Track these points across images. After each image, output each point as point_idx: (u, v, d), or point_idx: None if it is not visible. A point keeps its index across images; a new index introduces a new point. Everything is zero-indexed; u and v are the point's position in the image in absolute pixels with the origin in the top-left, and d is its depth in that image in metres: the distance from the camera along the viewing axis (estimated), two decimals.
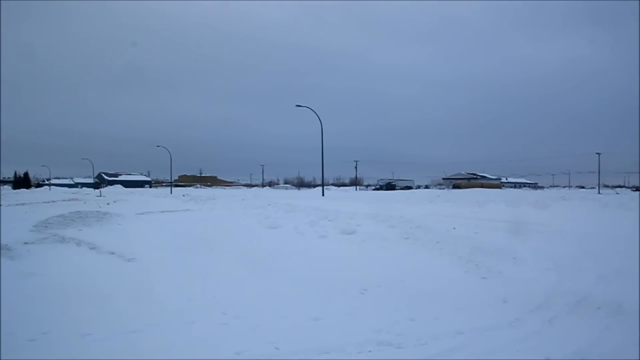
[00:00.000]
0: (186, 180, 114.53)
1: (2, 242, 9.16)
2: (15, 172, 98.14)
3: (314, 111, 34.17)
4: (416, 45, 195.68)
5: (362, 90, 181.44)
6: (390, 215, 13.50)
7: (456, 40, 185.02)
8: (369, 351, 4.13)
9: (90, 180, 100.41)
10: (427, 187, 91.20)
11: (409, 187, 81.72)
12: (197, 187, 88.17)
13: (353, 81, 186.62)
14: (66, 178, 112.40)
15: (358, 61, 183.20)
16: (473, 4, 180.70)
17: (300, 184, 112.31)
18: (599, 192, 54.46)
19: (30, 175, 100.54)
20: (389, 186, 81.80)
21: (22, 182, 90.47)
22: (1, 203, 22.82)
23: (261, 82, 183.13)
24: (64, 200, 27.21)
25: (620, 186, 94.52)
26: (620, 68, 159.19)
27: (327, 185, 77.08)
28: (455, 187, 79.37)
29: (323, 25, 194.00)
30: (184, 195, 33.36)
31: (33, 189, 67.50)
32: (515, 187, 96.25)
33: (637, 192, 41.41)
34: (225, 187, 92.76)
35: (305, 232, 11.28)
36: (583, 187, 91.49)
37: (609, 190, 62.99)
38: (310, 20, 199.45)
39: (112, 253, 8.85)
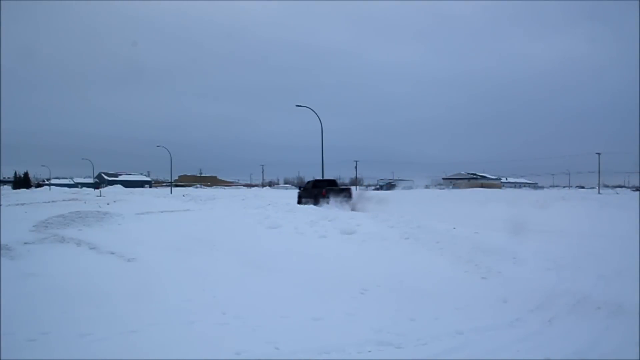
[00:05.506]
0: (186, 180, 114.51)
1: (2, 242, 9.15)
2: (15, 172, 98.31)
3: (313, 111, 34.14)
4: (413, 43, 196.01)
5: (360, 87, 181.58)
6: (390, 215, 13.51)
7: (454, 38, 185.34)
8: (369, 351, 4.14)
9: (90, 180, 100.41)
10: (427, 187, 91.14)
11: (409, 187, 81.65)
12: (197, 187, 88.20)
13: (352, 78, 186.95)
14: (66, 178, 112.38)
15: (356, 59, 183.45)
16: (471, 2, 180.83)
17: (301, 184, 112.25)
18: (599, 192, 54.45)
19: (30, 175, 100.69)
20: (389, 186, 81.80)
21: (22, 182, 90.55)
22: (1, 203, 22.81)
23: (261, 81, 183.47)
24: (64, 200, 27.21)
25: (620, 186, 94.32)
26: (620, 67, 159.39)
27: None
28: (455, 187, 79.41)
29: (321, 23, 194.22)
30: (184, 195, 33.41)
31: (33, 189, 67.50)
32: (515, 187, 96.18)
33: (637, 192, 41.40)
34: (225, 187, 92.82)
35: (305, 232, 11.28)
36: (583, 187, 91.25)
37: (609, 190, 62.88)
38: (309, 19, 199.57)
39: (112, 253, 8.84)
